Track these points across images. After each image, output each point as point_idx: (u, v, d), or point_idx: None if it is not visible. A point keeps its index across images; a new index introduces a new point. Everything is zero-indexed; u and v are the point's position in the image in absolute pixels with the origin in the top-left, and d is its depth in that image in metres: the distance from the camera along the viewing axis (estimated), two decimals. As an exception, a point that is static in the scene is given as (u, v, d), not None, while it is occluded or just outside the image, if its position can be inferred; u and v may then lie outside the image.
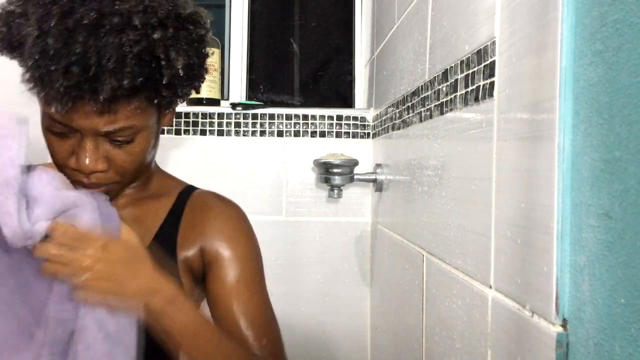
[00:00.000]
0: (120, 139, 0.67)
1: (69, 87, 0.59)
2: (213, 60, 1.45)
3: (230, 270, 0.78)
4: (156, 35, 0.62)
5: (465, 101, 0.68)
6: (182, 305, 0.67)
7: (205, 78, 0.76)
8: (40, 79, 0.61)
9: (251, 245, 0.83)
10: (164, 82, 0.64)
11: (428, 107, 0.85)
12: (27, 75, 0.62)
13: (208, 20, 0.72)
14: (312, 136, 1.47)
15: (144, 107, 0.67)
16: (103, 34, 0.60)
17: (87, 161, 0.66)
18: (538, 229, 0.48)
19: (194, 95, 1.45)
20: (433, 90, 0.82)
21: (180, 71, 0.65)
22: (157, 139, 0.75)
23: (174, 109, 0.77)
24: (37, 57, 0.60)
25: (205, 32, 0.71)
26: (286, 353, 0.80)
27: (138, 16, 0.61)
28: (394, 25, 1.15)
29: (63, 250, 0.61)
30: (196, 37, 0.69)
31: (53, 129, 0.66)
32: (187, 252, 0.79)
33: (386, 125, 1.22)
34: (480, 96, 0.63)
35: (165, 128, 1.44)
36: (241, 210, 0.86)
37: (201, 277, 0.80)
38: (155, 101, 0.67)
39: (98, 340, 0.63)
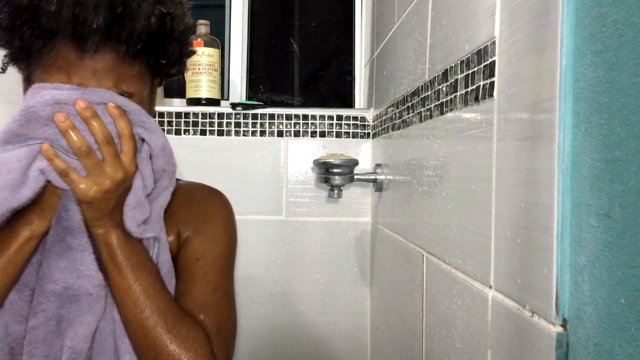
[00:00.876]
0: None
1: (99, 26, 0.62)
2: (213, 60, 1.45)
3: (195, 251, 0.79)
4: None
5: (465, 101, 0.68)
6: (139, 245, 0.71)
7: (185, 67, 0.80)
8: (70, 20, 0.62)
9: (222, 231, 0.83)
10: (175, 34, 0.70)
11: (428, 107, 0.85)
12: (51, 20, 0.63)
13: (189, 8, 0.77)
14: (312, 136, 1.47)
15: (143, 73, 0.70)
16: None
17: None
18: (538, 229, 0.48)
19: (194, 95, 1.46)
20: (433, 90, 0.82)
21: (187, 28, 0.72)
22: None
23: (155, 99, 0.79)
24: (61, 1, 0.62)
25: (189, 18, 0.76)
26: (233, 346, 0.78)
27: None
28: (394, 25, 1.15)
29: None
30: (185, 15, 0.74)
31: None
32: (168, 239, 0.80)
33: (386, 125, 1.22)
34: (480, 96, 0.63)
35: (165, 128, 1.44)
36: (223, 198, 0.88)
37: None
38: (164, 59, 0.71)
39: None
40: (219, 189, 0.90)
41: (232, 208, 0.88)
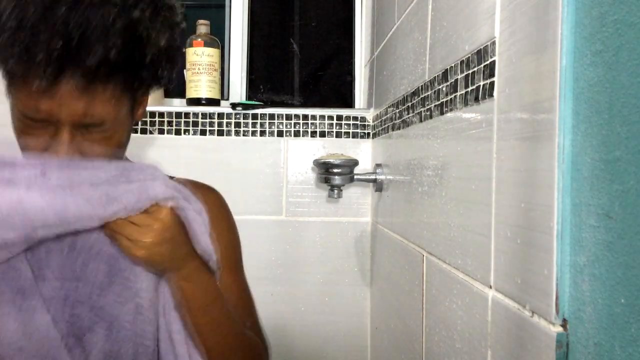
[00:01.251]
0: (94, 129, 0.65)
1: (52, 60, 0.57)
2: (213, 60, 1.45)
3: None
4: (136, 14, 0.62)
5: (465, 101, 0.68)
6: (206, 274, 0.73)
7: (173, 74, 0.74)
8: (19, 54, 0.58)
9: (230, 231, 0.85)
10: (146, 61, 0.64)
11: (428, 107, 0.85)
12: (3, 55, 0.59)
13: (182, 12, 0.72)
14: (312, 136, 1.47)
15: (118, 95, 0.65)
16: (83, 9, 0.59)
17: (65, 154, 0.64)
18: (538, 229, 0.48)
19: (194, 95, 1.46)
20: (433, 90, 0.82)
21: (162, 51, 0.65)
22: (129, 132, 0.73)
23: (144, 103, 0.75)
24: (14, 29, 0.57)
25: (180, 21, 0.70)
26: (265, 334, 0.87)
27: None
28: (394, 25, 1.15)
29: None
30: (173, 23, 0.68)
31: (27, 127, 0.64)
32: None
33: (386, 125, 1.22)
34: (480, 96, 0.63)
35: (165, 128, 1.44)
36: (220, 196, 0.88)
37: None
38: (135, 84, 0.66)
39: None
40: (219, 189, 0.90)
41: (226, 203, 0.89)
